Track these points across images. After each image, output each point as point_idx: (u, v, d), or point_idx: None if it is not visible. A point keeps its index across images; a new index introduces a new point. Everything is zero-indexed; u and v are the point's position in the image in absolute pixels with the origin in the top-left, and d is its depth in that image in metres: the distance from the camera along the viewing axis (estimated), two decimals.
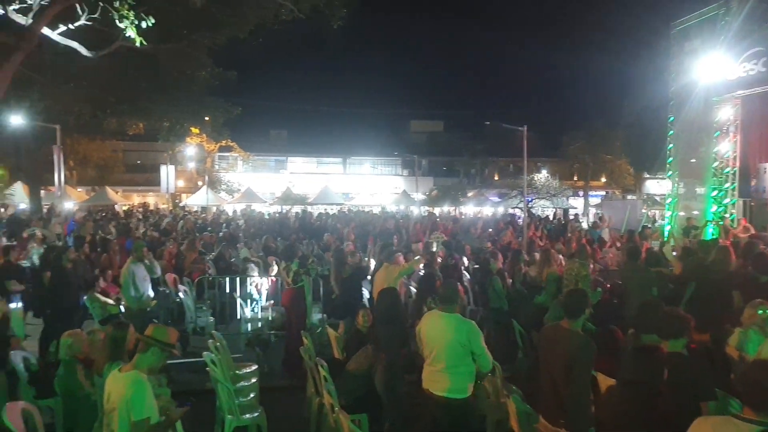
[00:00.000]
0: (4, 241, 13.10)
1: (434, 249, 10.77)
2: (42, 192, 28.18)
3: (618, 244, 14.40)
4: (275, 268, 11.39)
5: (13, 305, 9.36)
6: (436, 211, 34.57)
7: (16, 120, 21.28)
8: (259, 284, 11.43)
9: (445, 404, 4.84)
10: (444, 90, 74.62)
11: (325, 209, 34.89)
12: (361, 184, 45.52)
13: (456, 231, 18.02)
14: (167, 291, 11.38)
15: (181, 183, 39.71)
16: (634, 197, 37.79)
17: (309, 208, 32.09)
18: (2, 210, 25.22)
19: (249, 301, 10.97)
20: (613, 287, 9.51)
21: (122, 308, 9.79)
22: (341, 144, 47.54)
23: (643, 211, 24.84)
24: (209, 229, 19.04)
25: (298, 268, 9.18)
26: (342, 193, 40.82)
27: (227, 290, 11.31)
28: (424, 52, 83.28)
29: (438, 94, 74.15)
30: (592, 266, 10.03)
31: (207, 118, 27.93)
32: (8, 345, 6.85)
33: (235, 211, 30.96)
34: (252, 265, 12.01)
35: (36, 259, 11.79)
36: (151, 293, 9.51)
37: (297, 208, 32.39)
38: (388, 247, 8.75)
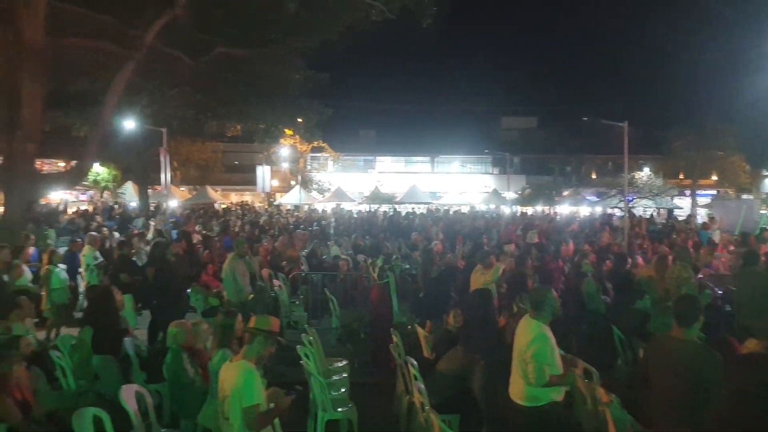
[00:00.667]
0: (117, 236, 14.19)
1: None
2: (149, 191, 30.23)
3: (731, 247, 13.37)
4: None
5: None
6: (529, 210, 33.71)
7: (129, 124, 23.00)
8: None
9: (523, 412, 4.78)
10: (537, 84, 72.25)
11: (413, 208, 35.01)
12: (450, 183, 45.19)
13: (550, 231, 17.50)
14: (263, 285, 11.81)
15: (275, 182, 41.16)
16: (751, 197, 34.90)
17: (397, 207, 32.33)
18: (116, 207, 27.20)
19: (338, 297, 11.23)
20: (725, 293, 8.87)
21: (222, 301, 10.31)
22: (429, 143, 47.44)
23: (762, 211, 22.84)
24: (301, 226, 19.69)
25: (383, 264, 9.29)
26: (430, 192, 40.73)
27: (319, 286, 11.63)
28: (516, 45, 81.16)
29: (531, 88, 71.94)
30: (699, 270, 9.39)
31: (300, 120, 28.84)
32: (125, 333, 7.40)
33: (325, 210, 31.74)
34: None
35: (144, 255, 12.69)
36: (249, 288, 9.99)
37: (385, 207, 32.72)
38: (481, 249, 8.65)
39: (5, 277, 9.78)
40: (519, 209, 33.80)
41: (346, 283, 11.75)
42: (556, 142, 45.53)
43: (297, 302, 11.44)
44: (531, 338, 4.76)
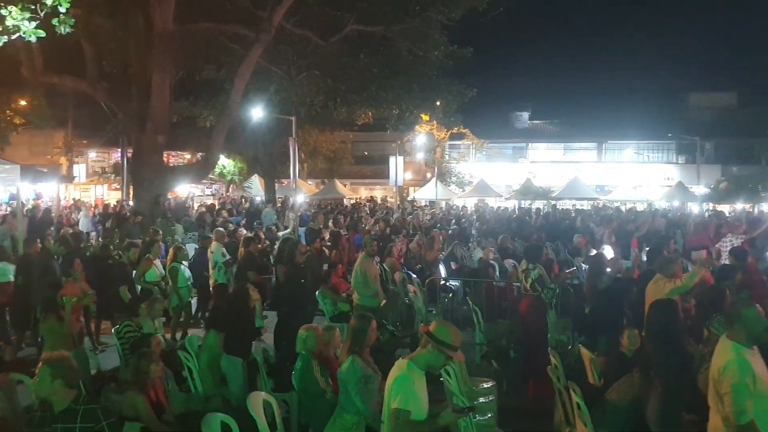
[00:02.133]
0: (244, 232, 15.19)
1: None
2: (276, 185, 32.05)
3: None
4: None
5: None
6: (725, 208, 30.93)
7: (256, 113, 24.47)
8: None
9: None
10: (737, 53, 65.77)
11: (574, 204, 33.61)
12: (621, 175, 41.89)
13: (756, 234, 16.04)
14: (396, 290, 12.01)
15: (408, 175, 41.54)
16: None
17: (554, 204, 31.34)
18: (243, 201, 29.05)
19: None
20: None
21: (352, 306, 10.60)
22: (595, 126, 44.74)
23: None
24: (438, 225, 19.83)
25: (539, 276, 9.04)
26: (596, 185, 38.86)
27: (460, 294, 11.62)
28: (708, 5, 74.62)
29: (728, 58, 65.69)
30: None
31: (438, 103, 28.77)
32: (258, 335, 7.86)
33: (465, 207, 31.61)
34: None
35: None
36: (382, 292, 10.20)
37: (539, 204, 31.89)
38: (658, 253, 8.12)
39: (134, 272, 10.90)
40: (711, 207, 31.11)
41: (492, 291, 11.60)
42: (762, 124, 40.96)
43: (434, 311, 11.51)
44: (724, 363, 4.42)
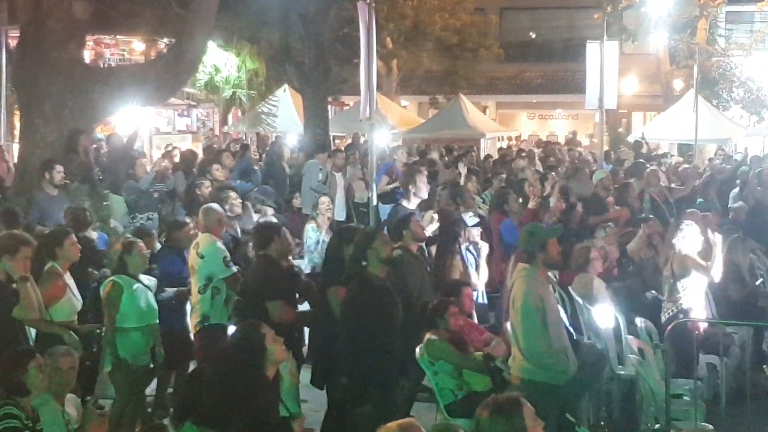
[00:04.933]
0: (270, 212, 9.13)
1: None
2: (330, 108, 20.80)
3: None
4: None
5: None
6: None
7: None
8: None
9: None
10: None
11: None
12: None
13: None
14: (598, 347, 5.90)
15: (632, 86, 23.61)
16: None
17: None
18: (258, 145, 18.48)
19: None
20: None
21: None
22: None
23: None
24: (699, 200, 11.42)
25: None
26: None
27: None
28: None
29: None
30: None
31: None
32: None
33: None
34: None
35: None
36: None
37: None
38: None
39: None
40: None
41: None
42: None
43: None
44: None
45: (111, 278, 5.65)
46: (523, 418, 3.13)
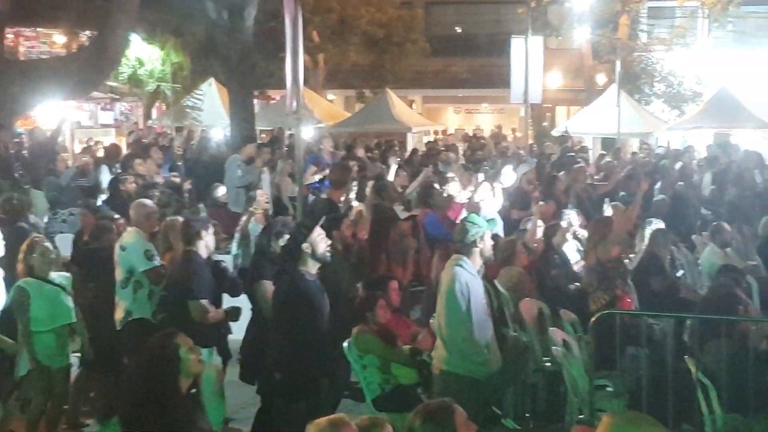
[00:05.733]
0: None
1: None
2: (256, 102, 19.69)
3: None
4: None
5: None
6: None
7: None
8: None
9: None
10: None
11: None
12: None
13: None
14: (526, 339, 6.23)
15: (555, 80, 24.00)
16: None
17: None
18: (180, 139, 17.64)
19: None
20: None
21: None
22: None
23: None
24: (621, 193, 11.55)
25: None
26: None
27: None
28: None
29: None
30: None
31: None
32: None
33: (688, 148, 15.85)
34: None
35: None
36: None
37: None
38: None
39: None
40: None
41: (744, 340, 5.28)
42: None
43: (612, 386, 5.75)
44: None
45: (17, 284, 5.44)
46: (455, 424, 3.12)
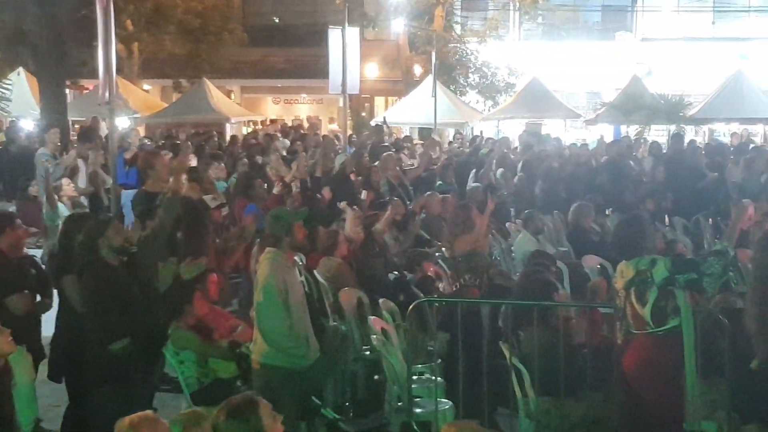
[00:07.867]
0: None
1: None
2: (68, 91, 19.81)
3: None
4: None
5: None
6: None
7: None
8: None
9: None
10: None
11: (738, 133, 18.55)
12: None
13: None
14: (344, 329, 6.47)
15: (373, 71, 24.28)
16: None
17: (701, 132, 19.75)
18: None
19: None
20: None
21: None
22: None
23: None
24: (438, 182, 11.87)
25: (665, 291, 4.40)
26: None
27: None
28: None
29: None
30: None
31: None
32: None
33: (502, 138, 16.97)
34: None
35: None
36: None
37: (658, 132, 19.12)
38: None
39: None
40: None
41: (555, 327, 5.56)
42: None
43: (427, 374, 5.98)
44: None
45: None
46: (260, 418, 3.16)
